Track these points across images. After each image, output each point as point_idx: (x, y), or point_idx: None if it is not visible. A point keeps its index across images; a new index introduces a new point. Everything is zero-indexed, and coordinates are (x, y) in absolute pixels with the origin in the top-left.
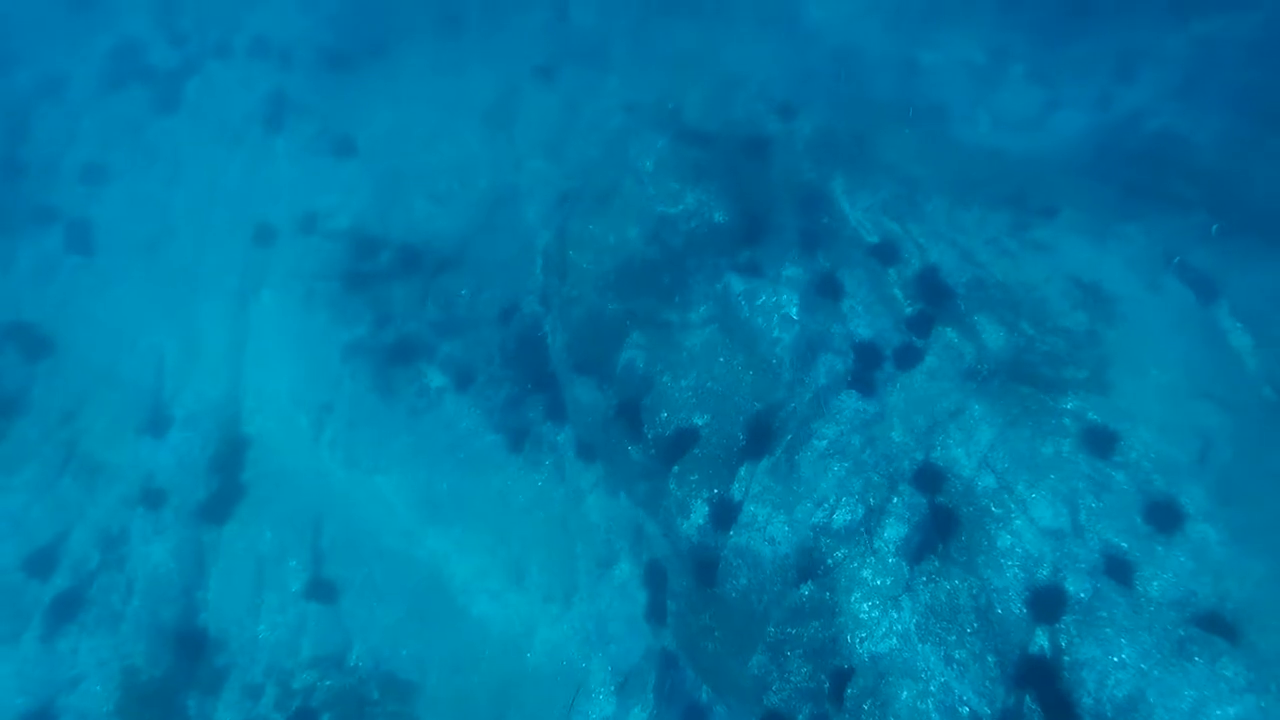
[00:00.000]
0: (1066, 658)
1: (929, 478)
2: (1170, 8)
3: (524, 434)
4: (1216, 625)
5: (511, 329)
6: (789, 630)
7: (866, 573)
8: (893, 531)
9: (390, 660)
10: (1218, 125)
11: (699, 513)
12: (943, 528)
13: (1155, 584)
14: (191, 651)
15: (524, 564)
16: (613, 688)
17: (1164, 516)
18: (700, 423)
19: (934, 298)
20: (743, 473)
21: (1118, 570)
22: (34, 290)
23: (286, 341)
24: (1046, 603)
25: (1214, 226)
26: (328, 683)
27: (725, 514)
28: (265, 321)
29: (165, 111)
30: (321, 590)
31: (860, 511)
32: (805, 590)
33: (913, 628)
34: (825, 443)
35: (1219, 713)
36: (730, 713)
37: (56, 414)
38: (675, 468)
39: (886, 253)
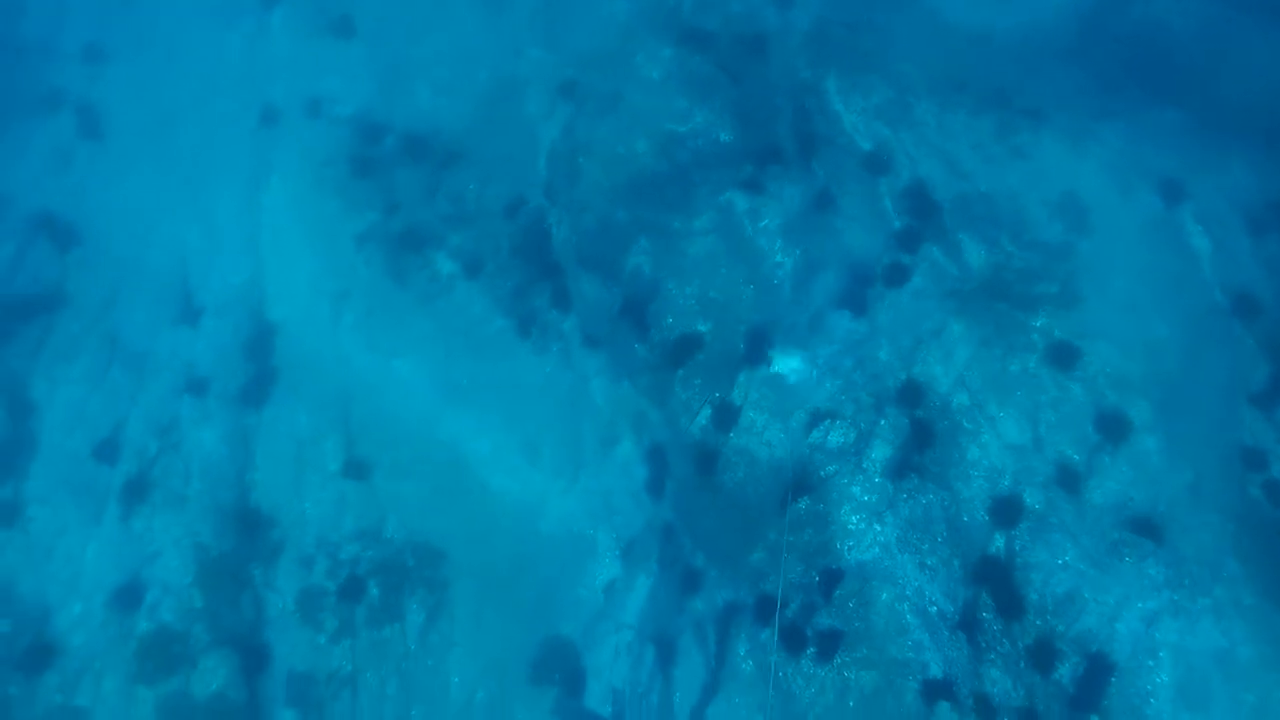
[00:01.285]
0: (1019, 560)
1: (911, 395)
2: None
3: (531, 321)
4: (1146, 529)
5: (518, 222)
6: (787, 537)
7: (855, 489)
8: (879, 452)
9: (421, 531)
10: (1198, 9)
11: (703, 414)
12: (921, 443)
13: (1099, 492)
14: (250, 528)
15: (536, 442)
16: (617, 553)
17: (1113, 428)
18: (703, 329)
19: (922, 212)
20: (741, 379)
21: (1068, 480)
22: (53, 178)
23: (300, 228)
24: (1005, 511)
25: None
26: (369, 553)
27: (726, 416)
28: (278, 207)
29: None
30: (356, 469)
31: (852, 435)
32: (802, 504)
33: (893, 540)
34: (821, 359)
35: (1140, 605)
36: (721, 576)
37: (95, 306)
38: (680, 371)
39: (878, 162)
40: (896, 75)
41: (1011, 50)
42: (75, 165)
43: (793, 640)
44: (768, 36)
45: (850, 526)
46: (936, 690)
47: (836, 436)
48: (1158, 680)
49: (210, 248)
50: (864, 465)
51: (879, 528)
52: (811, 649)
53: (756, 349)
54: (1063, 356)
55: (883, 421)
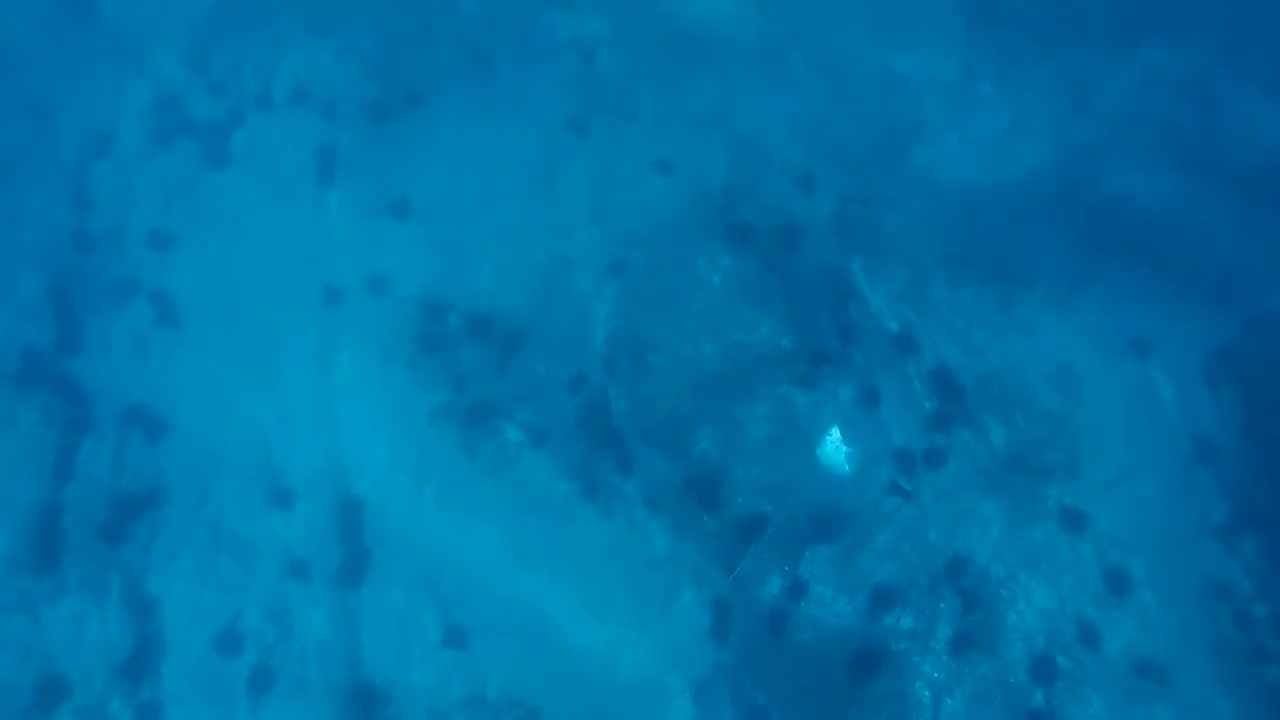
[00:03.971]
0: (1057, 715)
1: (957, 570)
2: (1123, 35)
3: (596, 486)
4: (1153, 673)
5: (581, 396)
6: (865, 712)
7: (926, 666)
8: (943, 632)
9: (518, 690)
10: (1161, 178)
11: (774, 585)
12: (971, 616)
13: (1113, 644)
14: (367, 705)
15: (606, 598)
16: (689, 696)
17: (1118, 584)
18: (769, 509)
19: (949, 394)
20: (807, 556)
21: (1089, 637)
22: (135, 368)
23: (374, 404)
24: (1042, 671)
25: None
26: (477, 718)
27: (795, 588)
28: (350, 384)
29: (216, 166)
30: (454, 637)
31: (921, 618)
32: (884, 684)
33: (961, 712)
34: (880, 545)
35: None
36: (784, 714)
37: (192, 496)
38: (752, 547)
39: (906, 344)
40: (910, 255)
41: (998, 214)
42: (153, 353)
43: None
44: (798, 224)
45: (925, 700)
46: None
47: (908, 620)
48: None
49: (289, 428)
50: (932, 645)
51: (949, 701)
52: None
53: (822, 530)
54: (1074, 521)
55: (942, 604)
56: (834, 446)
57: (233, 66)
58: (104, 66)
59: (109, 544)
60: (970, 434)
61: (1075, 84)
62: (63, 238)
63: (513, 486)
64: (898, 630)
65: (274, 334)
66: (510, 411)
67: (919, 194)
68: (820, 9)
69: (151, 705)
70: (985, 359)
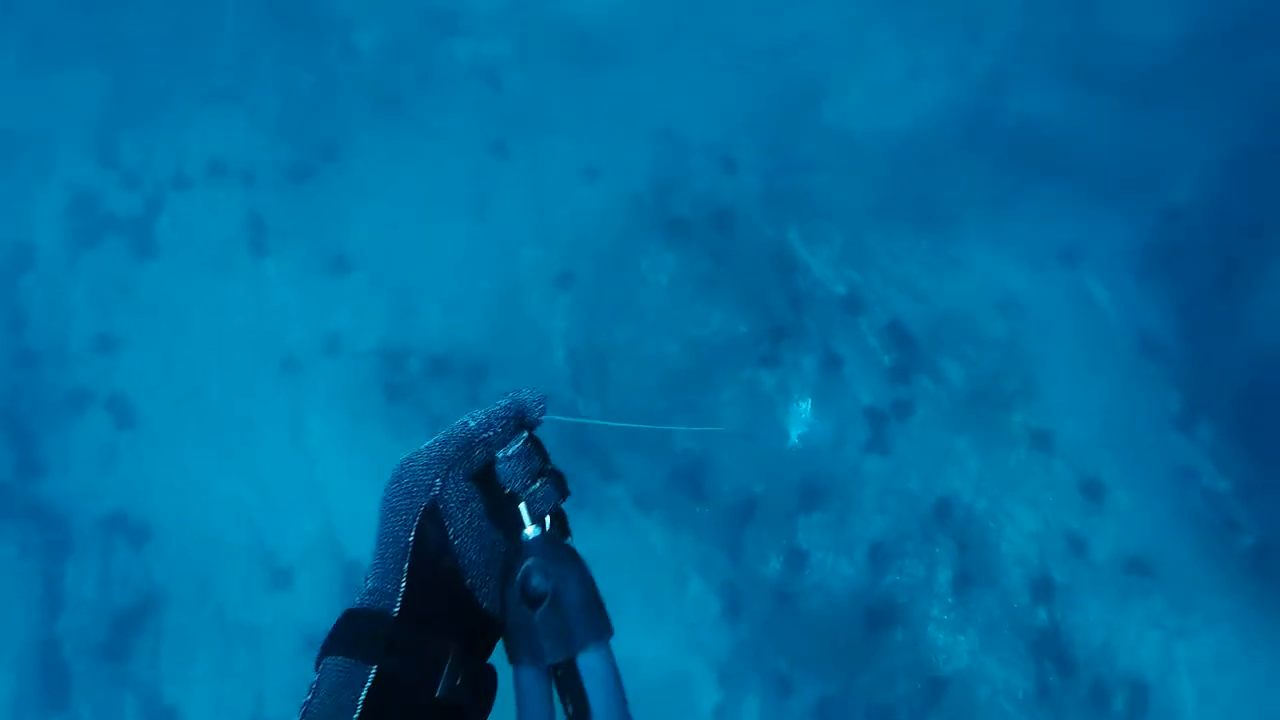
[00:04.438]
0: (1061, 627)
1: (944, 513)
2: None
3: (583, 496)
4: (1140, 568)
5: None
6: (885, 663)
7: (935, 610)
8: (944, 575)
9: None
10: (1060, 93)
11: (776, 560)
12: (966, 555)
13: (1100, 550)
14: None
15: (616, 604)
16: (715, 679)
17: (1094, 491)
18: (759, 490)
19: (904, 345)
20: (802, 525)
21: (1077, 548)
22: (104, 477)
23: (352, 464)
24: (1041, 590)
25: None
26: None
27: (796, 559)
28: (324, 449)
29: (146, 258)
30: None
31: (921, 568)
32: (898, 635)
33: (978, 646)
34: (867, 504)
35: (1154, 635)
36: (808, 676)
37: (191, 594)
38: (748, 529)
39: (855, 304)
40: (842, 215)
41: (914, 157)
42: (120, 459)
43: None
44: (730, 208)
45: (939, 643)
46: None
47: (908, 570)
48: (1182, 690)
49: (272, 505)
50: (935, 589)
51: (962, 638)
52: None
53: (810, 500)
54: (1042, 441)
55: (938, 549)
56: (803, 417)
57: (142, 153)
58: (7, 178)
59: (115, 664)
60: (930, 379)
61: (962, 17)
62: (2, 361)
63: None
64: (901, 581)
65: (238, 414)
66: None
67: (836, 152)
68: None
69: None
70: (931, 302)
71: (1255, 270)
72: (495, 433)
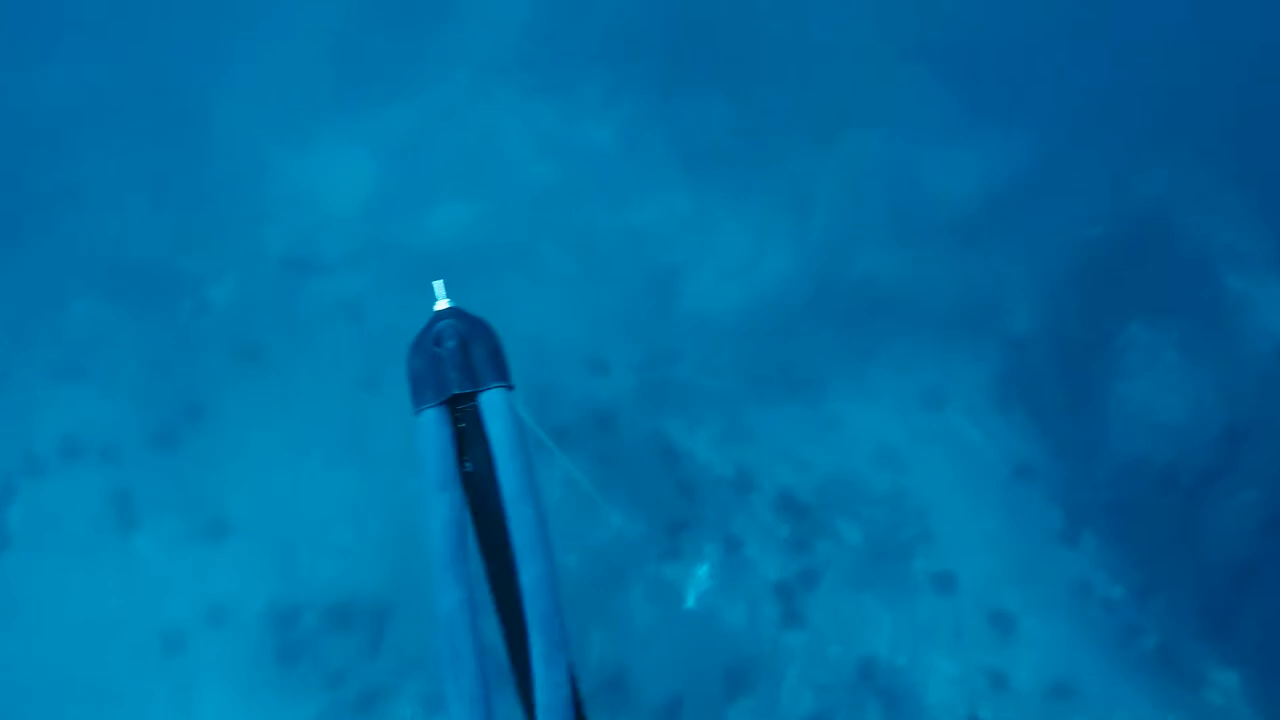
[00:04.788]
0: None
1: (869, 674)
2: (818, 133)
3: None
4: (1061, 692)
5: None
6: None
7: None
8: None
9: None
10: (893, 249)
11: None
12: (897, 713)
13: (1021, 680)
14: None
15: None
16: None
17: (1003, 623)
18: (682, 686)
19: (798, 515)
20: (732, 714)
21: (999, 682)
22: None
23: None
24: None
25: None
26: None
27: None
28: None
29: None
30: None
31: None
32: None
33: None
34: (792, 679)
35: None
36: None
37: None
38: None
39: (744, 483)
40: (715, 397)
41: (773, 326)
42: None
43: None
44: (608, 409)
45: None
46: None
47: None
48: None
49: None
50: None
51: None
52: None
53: (736, 688)
54: (945, 583)
55: (868, 715)
56: (700, 580)
57: None
58: None
59: None
60: (829, 543)
61: (794, 194)
62: None
63: None
64: None
65: (121, 705)
66: (398, 688)
67: (700, 335)
68: (554, 193)
69: None
70: (815, 468)
71: (1101, 384)
72: None
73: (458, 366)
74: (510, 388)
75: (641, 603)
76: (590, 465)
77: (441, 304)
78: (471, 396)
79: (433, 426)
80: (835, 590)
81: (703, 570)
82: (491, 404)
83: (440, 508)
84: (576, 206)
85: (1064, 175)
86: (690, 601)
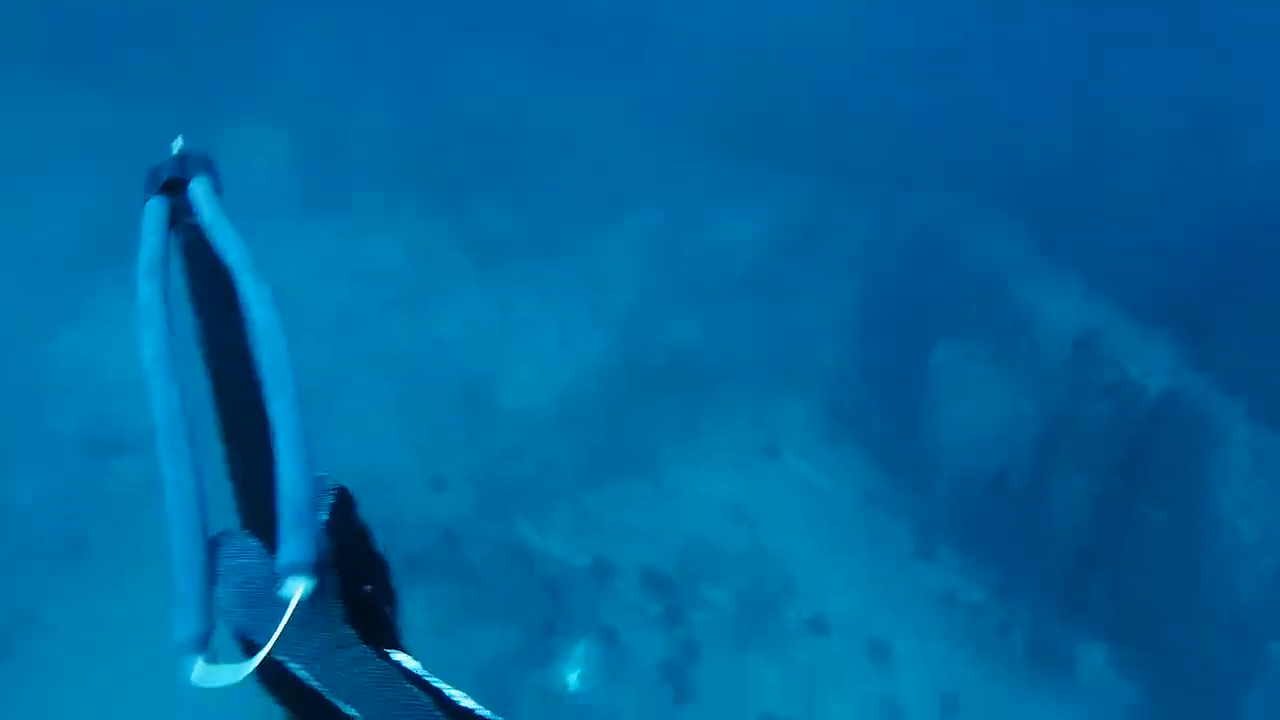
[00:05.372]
0: None
1: None
2: (609, 209)
3: None
4: (953, 705)
5: None
6: None
7: None
8: None
9: None
10: (692, 311)
11: None
12: None
13: (913, 705)
14: None
15: None
16: None
17: (881, 651)
18: None
19: (664, 590)
20: None
21: (892, 711)
22: None
23: None
24: None
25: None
26: None
27: None
28: None
29: None
30: None
31: None
32: None
33: None
34: None
35: None
36: None
37: None
38: None
39: (602, 570)
40: (554, 491)
41: (594, 408)
42: None
43: None
44: (453, 528)
45: None
46: None
47: None
48: None
49: None
50: None
51: None
52: None
53: None
54: (818, 626)
55: None
56: (577, 660)
57: None
58: None
59: None
60: (701, 611)
61: (587, 272)
62: None
63: None
64: None
65: None
66: None
67: (527, 433)
68: (353, 315)
69: None
70: (669, 540)
71: (922, 404)
72: None
73: (172, 166)
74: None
75: (534, 711)
76: (448, 585)
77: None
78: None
79: (153, 211)
80: (718, 656)
81: (584, 665)
82: (201, 190)
83: (151, 291)
84: (377, 326)
85: (839, 210)
86: (580, 698)
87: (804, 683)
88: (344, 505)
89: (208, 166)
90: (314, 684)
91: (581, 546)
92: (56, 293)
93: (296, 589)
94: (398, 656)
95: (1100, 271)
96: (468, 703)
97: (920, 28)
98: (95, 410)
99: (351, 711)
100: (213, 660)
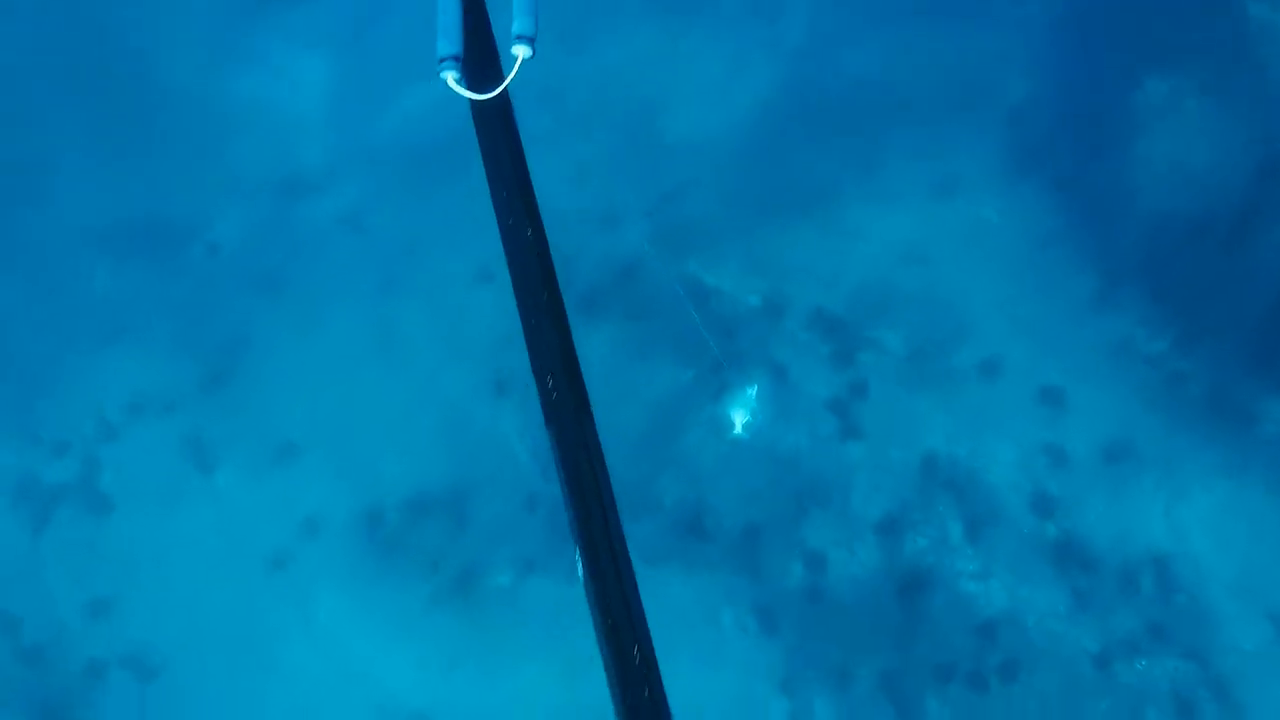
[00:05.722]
0: (1073, 534)
1: (933, 472)
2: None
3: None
4: (1120, 454)
5: (539, 514)
6: (932, 627)
7: (960, 564)
8: (954, 529)
9: None
10: (872, 38)
11: (797, 567)
12: (966, 502)
13: (1080, 451)
14: None
15: (661, 661)
16: (777, 691)
17: (1053, 399)
18: (758, 511)
19: (835, 331)
20: (808, 527)
21: (1058, 457)
22: None
23: (377, 633)
24: (1041, 508)
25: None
26: None
27: (816, 561)
28: (347, 630)
29: (102, 516)
30: None
31: (928, 530)
32: (935, 598)
33: (1008, 581)
34: (861, 488)
35: (1152, 509)
36: (863, 659)
37: None
38: (761, 549)
39: (773, 309)
40: (726, 226)
41: (765, 143)
42: (155, 708)
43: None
44: (629, 261)
45: (974, 590)
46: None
47: (921, 536)
48: (1199, 548)
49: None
50: (951, 543)
51: (995, 581)
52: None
53: (808, 504)
54: (990, 371)
55: (939, 506)
56: (749, 404)
57: (58, 419)
58: None
59: None
60: (871, 353)
61: (753, 6)
62: (13, 666)
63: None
64: (920, 547)
65: (249, 632)
66: (491, 560)
67: (695, 166)
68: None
69: None
70: (843, 280)
71: (1120, 143)
72: None
73: None
74: None
75: (704, 442)
76: (624, 322)
77: None
78: None
79: None
80: (885, 396)
81: (754, 401)
82: None
83: None
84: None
85: None
86: (748, 432)
87: (971, 425)
88: None
89: None
90: None
91: (753, 286)
92: (231, 38)
93: (521, 51)
94: None
95: None
96: None
97: None
98: (279, 153)
99: None
100: (460, 81)
